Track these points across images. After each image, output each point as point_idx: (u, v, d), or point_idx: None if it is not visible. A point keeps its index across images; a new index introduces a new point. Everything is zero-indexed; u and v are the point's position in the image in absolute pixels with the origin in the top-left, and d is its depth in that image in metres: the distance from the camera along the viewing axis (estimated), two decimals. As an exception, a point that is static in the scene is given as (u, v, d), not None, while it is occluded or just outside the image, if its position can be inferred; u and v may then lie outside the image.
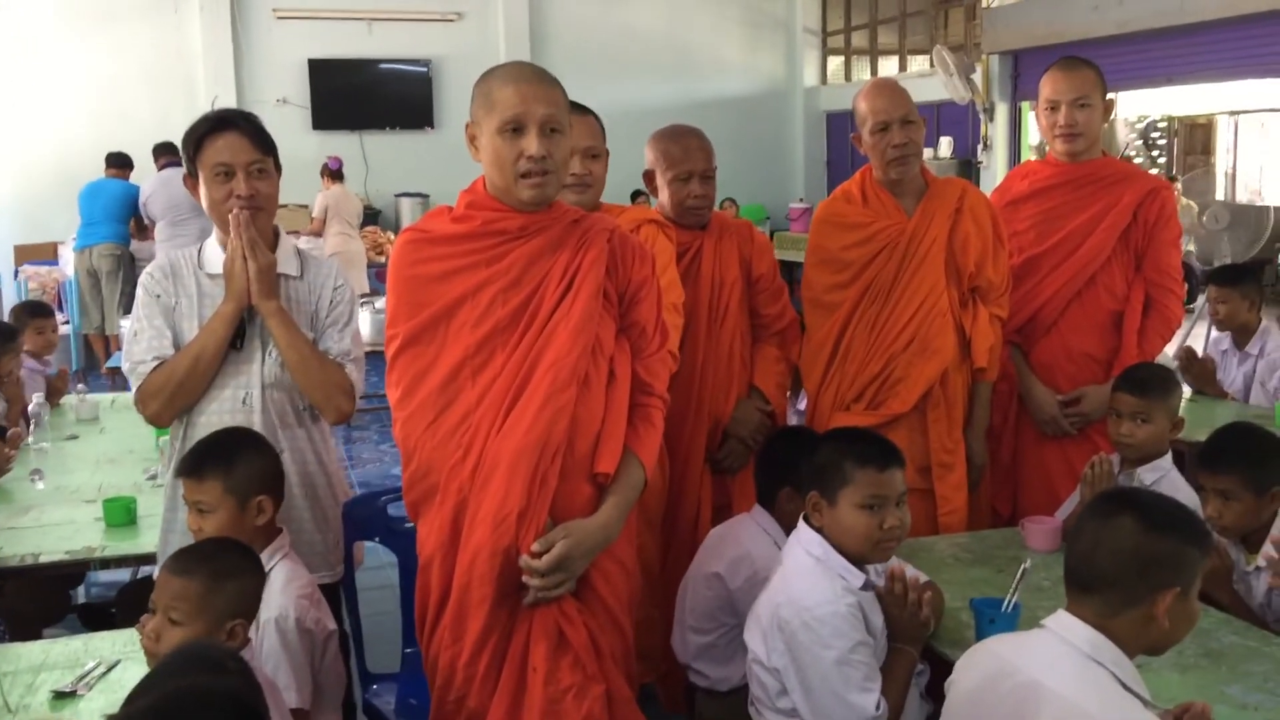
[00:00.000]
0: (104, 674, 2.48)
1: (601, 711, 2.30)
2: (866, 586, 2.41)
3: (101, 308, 9.71)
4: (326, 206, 10.15)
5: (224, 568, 2.20)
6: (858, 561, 2.43)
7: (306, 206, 11.56)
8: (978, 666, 1.99)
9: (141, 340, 2.78)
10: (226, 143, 2.75)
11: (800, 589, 2.38)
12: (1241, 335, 4.88)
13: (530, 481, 2.22)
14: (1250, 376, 4.79)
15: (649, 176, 3.32)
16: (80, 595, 4.70)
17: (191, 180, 2.86)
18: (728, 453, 3.30)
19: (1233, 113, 15.51)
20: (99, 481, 3.90)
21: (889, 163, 3.32)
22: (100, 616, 4.19)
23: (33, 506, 3.62)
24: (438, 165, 12.24)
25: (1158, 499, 2.01)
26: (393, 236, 11.80)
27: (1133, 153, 15.73)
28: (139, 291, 2.85)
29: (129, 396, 5.21)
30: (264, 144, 2.81)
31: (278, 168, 2.87)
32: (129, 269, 9.60)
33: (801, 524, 2.51)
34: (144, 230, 9.78)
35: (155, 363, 2.75)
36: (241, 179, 2.76)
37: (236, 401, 2.78)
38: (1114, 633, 1.87)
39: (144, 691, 1.81)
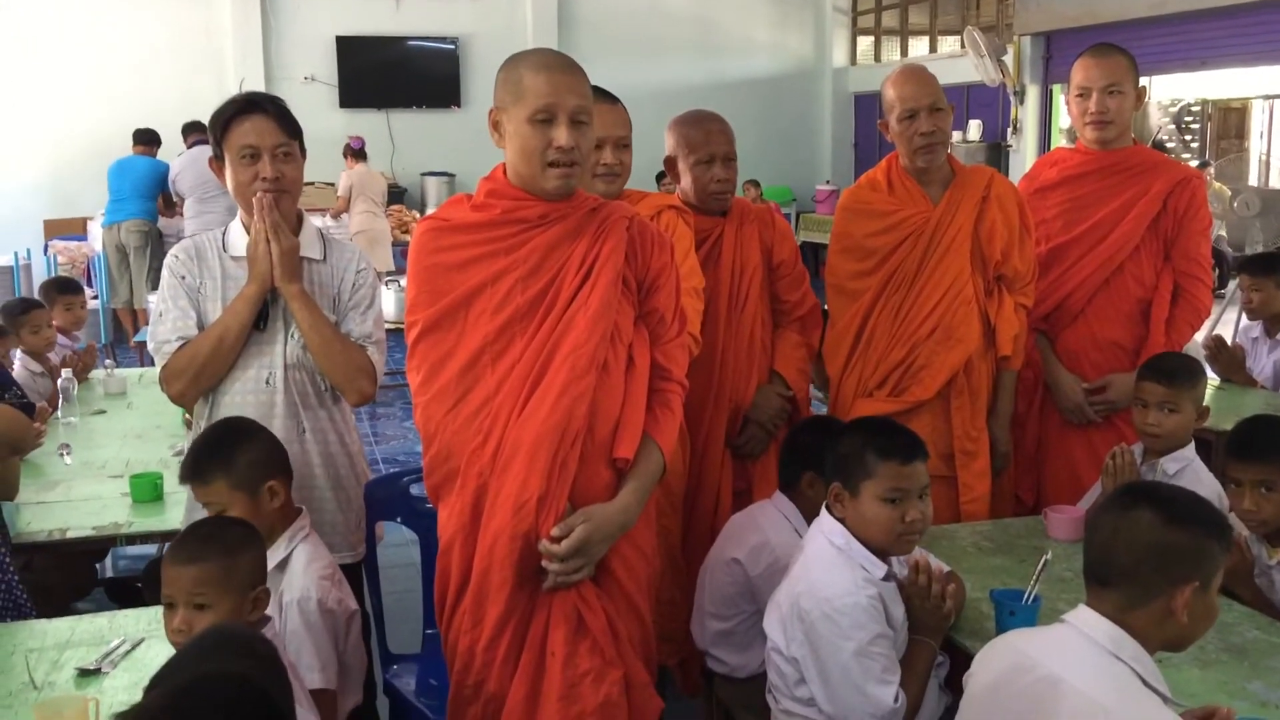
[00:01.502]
0: (129, 652, 2.51)
1: (619, 696, 2.30)
2: (888, 577, 2.41)
3: (130, 283, 9.79)
4: (351, 185, 10.18)
5: (234, 542, 2.22)
6: (879, 552, 2.42)
7: (332, 185, 11.60)
8: (997, 660, 1.98)
9: (166, 321, 2.80)
10: (253, 125, 2.76)
11: (821, 579, 2.38)
12: (1273, 323, 4.83)
13: (550, 467, 2.23)
14: (1280, 366, 4.75)
15: (670, 163, 3.31)
16: (106, 569, 4.76)
17: (217, 163, 2.87)
18: (748, 438, 3.30)
19: (1268, 97, 15.32)
20: (126, 457, 3.94)
21: (916, 151, 3.30)
22: (126, 591, 4.25)
23: (60, 481, 3.67)
24: (464, 144, 12.26)
25: (1177, 492, 2.00)
26: (418, 215, 11.84)
27: (1165, 137, 15.56)
28: (164, 272, 2.88)
29: (156, 372, 5.26)
30: (290, 127, 2.81)
31: (303, 151, 2.88)
32: (157, 245, 9.67)
33: (824, 513, 2.50)
34: (172, 207, 9.85)
35: (179, 343, 2.77)
36: (267, 162, 2.77)
37: (260, 382, 2.80)
38: (1133, 627, 1.86)
39: (168, 676, 1.84)
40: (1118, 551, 1.89)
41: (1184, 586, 1.83)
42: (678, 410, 2.42)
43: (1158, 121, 15.49)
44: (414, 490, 3.26)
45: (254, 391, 2.80)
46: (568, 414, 2.24)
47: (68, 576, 3.89)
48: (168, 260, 2.88)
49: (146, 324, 9.14)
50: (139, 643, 2.55)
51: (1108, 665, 1.82)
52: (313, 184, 12.11)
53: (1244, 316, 5.18)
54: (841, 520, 2.45)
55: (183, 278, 2.83)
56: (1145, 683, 1.82)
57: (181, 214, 9.67)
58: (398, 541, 4.00)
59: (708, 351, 3.18)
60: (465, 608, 2.31)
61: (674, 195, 3.31)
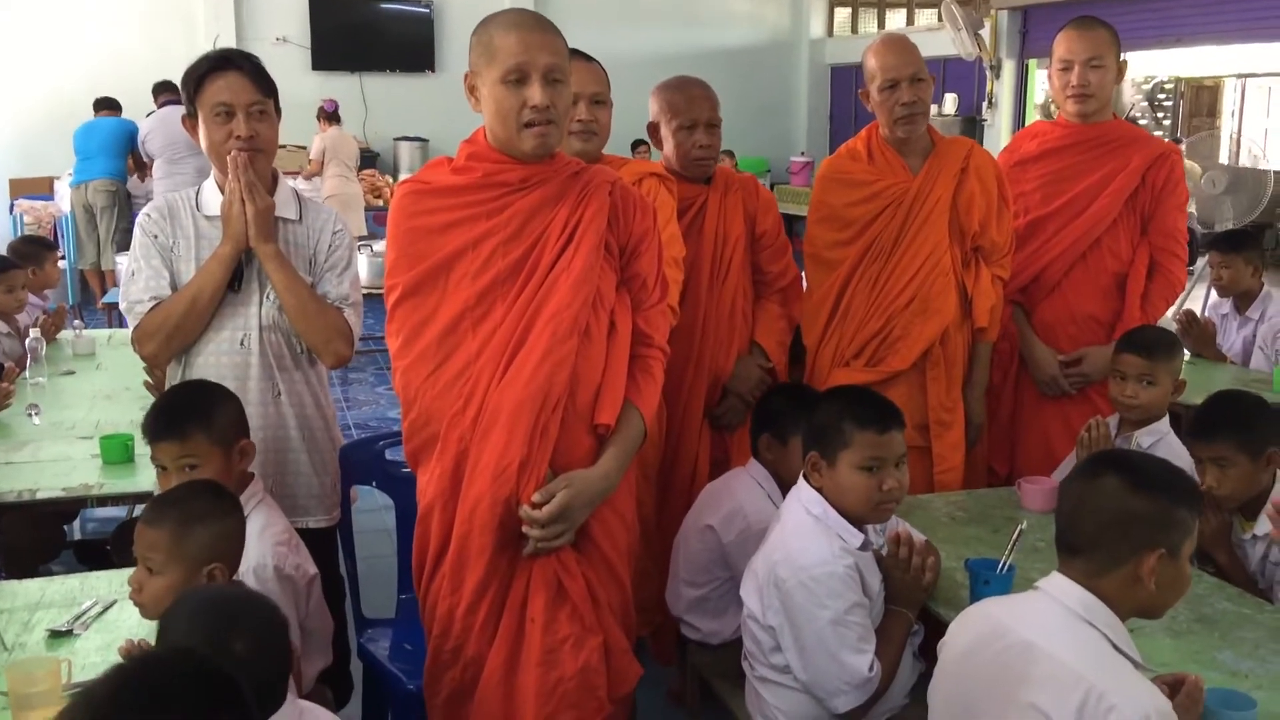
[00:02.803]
0: (100, 614, 2.49)
1: (599, 662, 2.31)
2: (864, 547, 2.41)
3: (98, 244, 9.67)
4: (324, 149, 10.08)
5: (192, 513, 2.18)
6: (856, 521, 2.42)
7: (304, 148, 11.46)
8: (971, 628, 1.99)
9: (138, 280, 2.77)
10: (227, 83, 2.72)
11: (798, 548, 2.38)
12: (1243, 300, 4.87)
13: (531, 432, 2.21)
14: (1250, 341, 4.79)
15: (653, 128, 3.28)
16: (75, 531, 4.72)
17: (190, 121, 2.83)
18: (726, 409, 3.29)
19: (1240, 76, 15.40)
20: (95, 418, 3.89)
21: (897, 121, 3.29)
22: (96, 554, 4.21)
23: (29, 442, 3.61)
24: (438, 109, 12.13)
25: (1145, 460, 2.00)
26: (391, 180, 11.74)
27: (1138, 114, 15.63)
28: (136, 232, 2.84)
29: (126, 333, 5.19)
30: (265, 85, 2.78)
31: (278, 110, 2.84)
32: (125, 205, 9.56)
33: (801, 482, 2.50)
34: (143, 168, 9.73)
35: (152, 303, 2.74)
36: (241, 120, 2.73)
37: (234, 343, 2.78)
38: (1104, 594, 1.86)
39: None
40: (1084, 518, 1.90)
41: (1149, 553, 1.83)
42: (659, 376, 2.41)
43: (1131, 98, 15.55)
44: (389, 455, 3.25)
45: (229, 353, 2.77)
46: (549, 379, 2.22)
47: (36, 538, 3.85)
48: (139, 219, 2.84)
49: (114, 285, 9.09)
50: (111, 605, 2.53)
51: (1080, 630, 1.83)
52: (284, 147, 11.95)
53: (1213, 293, 5.22)
54: (819, 489, 2.45)
55: (155, 237, 2.79)
56: (1116, 648, 1.83)
57: (151, 175, 9.56)
58: (370, 507, 3.98)
59: (688, 321, 3.17)
60: (445, 573, 2.30)
61: (657, 163, 3.29)
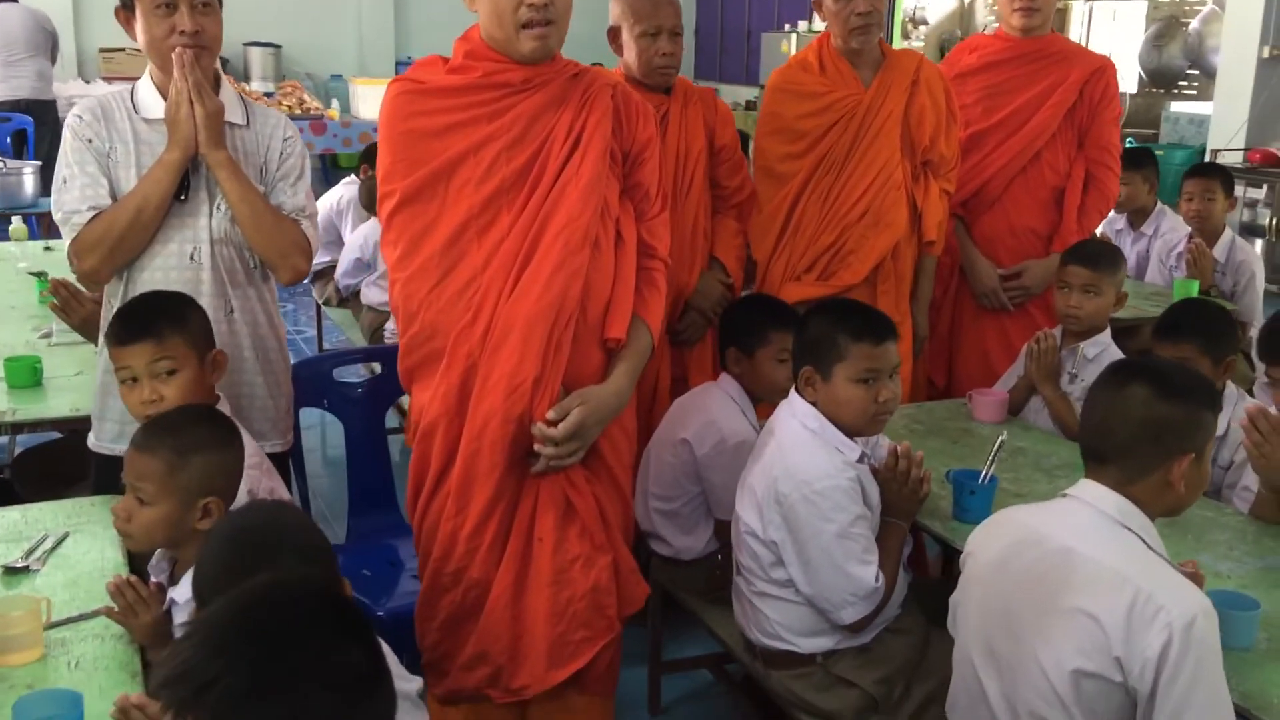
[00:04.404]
0: (54, 548, 2.33)
1: (609, 581, 2.26)
2: (861, 459, 2.41)
3: (-71, 153, 8.94)
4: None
5: (190, 442, 2.05)
6: (851, 434, 2.42)
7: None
8: (1002, 536, 2.00)
9: (73, 188, 2.54)
10: None
11: (799, 462, 2.36)
12: (1137, 216, 5.04)
13: (545, 347, 2.13)
14: (1144, 256, 4.97)
15: (613, 33, 3.16)
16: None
17: (125, 14, 2.60)
18: (687, 324, 3.24)
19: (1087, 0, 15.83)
20: (-15, 340, 3.62)
21: (851, 30, 3.24)
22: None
23: (-85, 366, 3.34)
24: (288, 14, 11.59)
25: (1168, 367, 2.03)
26: (247, 87, 11.16)
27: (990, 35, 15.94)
28: (66, 134, 2.60)
29: None
30: None
31: (221, 3, 2.63)
32: (-40, 112, 8.85)
33: (794, 396, 2.48)
34: (-25, 70, 9.01)
35: (91, 213, 2.52)
36: (185, 13, 2.51)
37: (184, 257, 2.59)
38: (1134, 498, 1.89)
39: (214, 578, 1.70)
40: (1114, 428, 1.92)
41: (1181, 458, 1.87)
42: (663, 288, 2.35)
43: (983, 20, 15.86)
44: (336, 375, 3.11)
45: (177, 268, 2.58)
46: (562, 292, 2.14)
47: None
48: (69, 121, 2.60)
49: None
50: (63, 538, 2.37)
51: (1118, 534, 1.86)
52: (122, 50, 11.29)
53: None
54: (813, 404, 2.44)
55: (89, 141, 2.56)
56: (1150, 549, 1.87)
57: (-16, 77, 8.88)
58: (307, 424, 3.81)
59: (650, 237, 3.09)
60: (448, 492, 2.21)
61: (615, 70, 3.17)
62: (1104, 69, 3.56)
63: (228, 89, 2.67)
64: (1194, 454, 1.89)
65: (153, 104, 2.60)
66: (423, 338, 2.20)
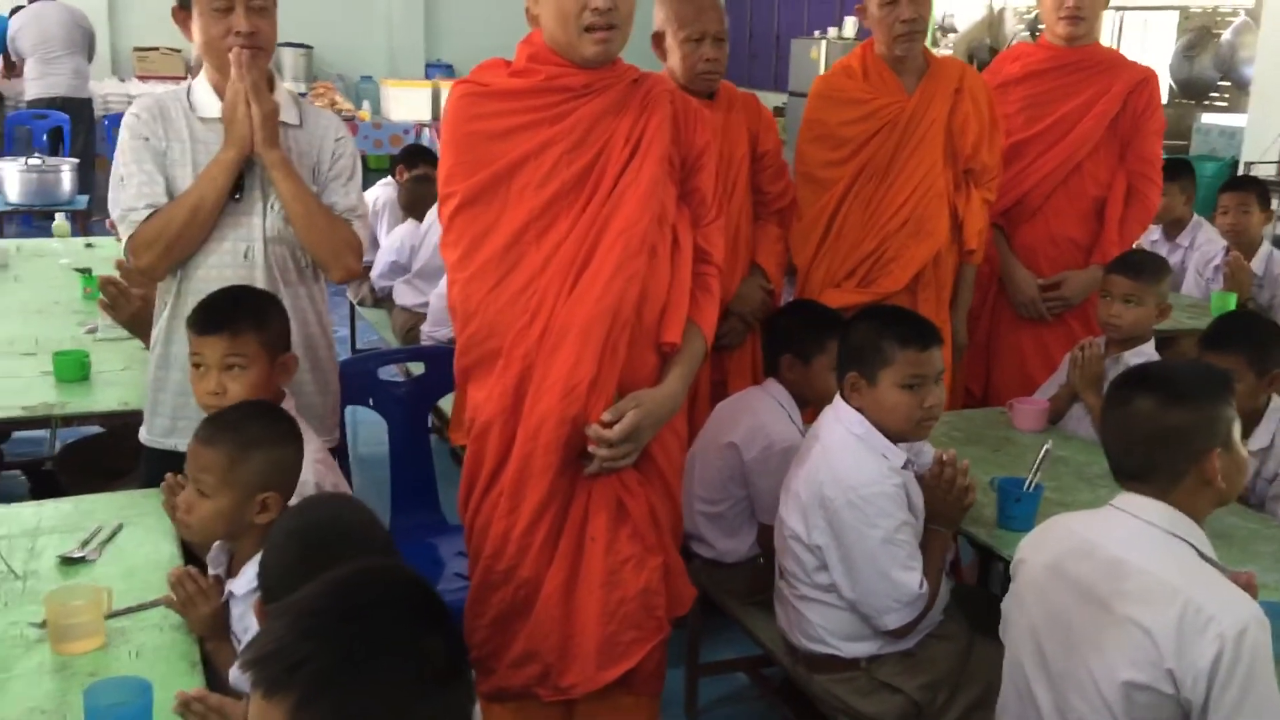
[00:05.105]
0: (109, 539, 2.36)
1: (659, 583, 2.28)
2: (906, 466, 2.42)
3: (-34, 149, 9.05)
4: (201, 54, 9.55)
5: (251, 437, 2.07)
6: (896, 440, 2.43)
7: (179, 51, 10.93)
8: (1053, 544, 2.00)
9: (130, 186, 2.58)
10: None
11: (845, 467, 2.37)
12: (1173, 228, 5.04)
13: (602, 350, 2.15)
14: (1180, 268, 4.96)
15: (658, 38, 3.18)
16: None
17: (183, 13, 2.63)
18: (727, 330, 3.25)
19: (1118, 9, 15.79)
20: (33, 334, 3.67)
21: (896, 38, 3.26)
22: (39, 477, 4.00)
23: (-34, 358, 3.39)
24: (320, 15, 11.65)
25: (1163, 370, 2.03)
26: (289, 86, 11.22)
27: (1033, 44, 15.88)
28: (123, 133, 2.63)
29: (37, 242, 4.88)
30: None
31: (275, 5, 2.66)
32: (-2, 107, 8.97)
33: (839, 401, 2.49)
34: (12, 68, 9.12)
35: (148, 210, 2.55)
36: (241, 14, 2.55)
37: (237, 255, 2.62)
38: (1178, 505, 1.88)
39: (279, 559, 1.73)
40: (1131, 447, 1.91)
41: (1208, 456, 1.86)
42: (717, 294, 2.36)
43: (1013, 29, 15.84)
44: (381, 375, 3.14)
45: (231, 266, 2.61)
46: (620, 296, 2.16)
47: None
48: (127, 120, 2.64)
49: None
50: (118, 529, 2.40)
51: (1168, 544, 1.85)
52: (156, 49, 11.38)
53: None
54: (859, 409, 2.45)
55: (146, 139, 2.60)
56: (1202, 556, 1.86)
57: (21, 75, 8.97)
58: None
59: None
60: (501, 491, 2.23)
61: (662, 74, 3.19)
62: (1148, 80, 3.56)
63: (282, 89, 2.71)
64: (1219, 447, 1.87)
65: (209, 104, 2.63)
66: (480, 337, 2.23)
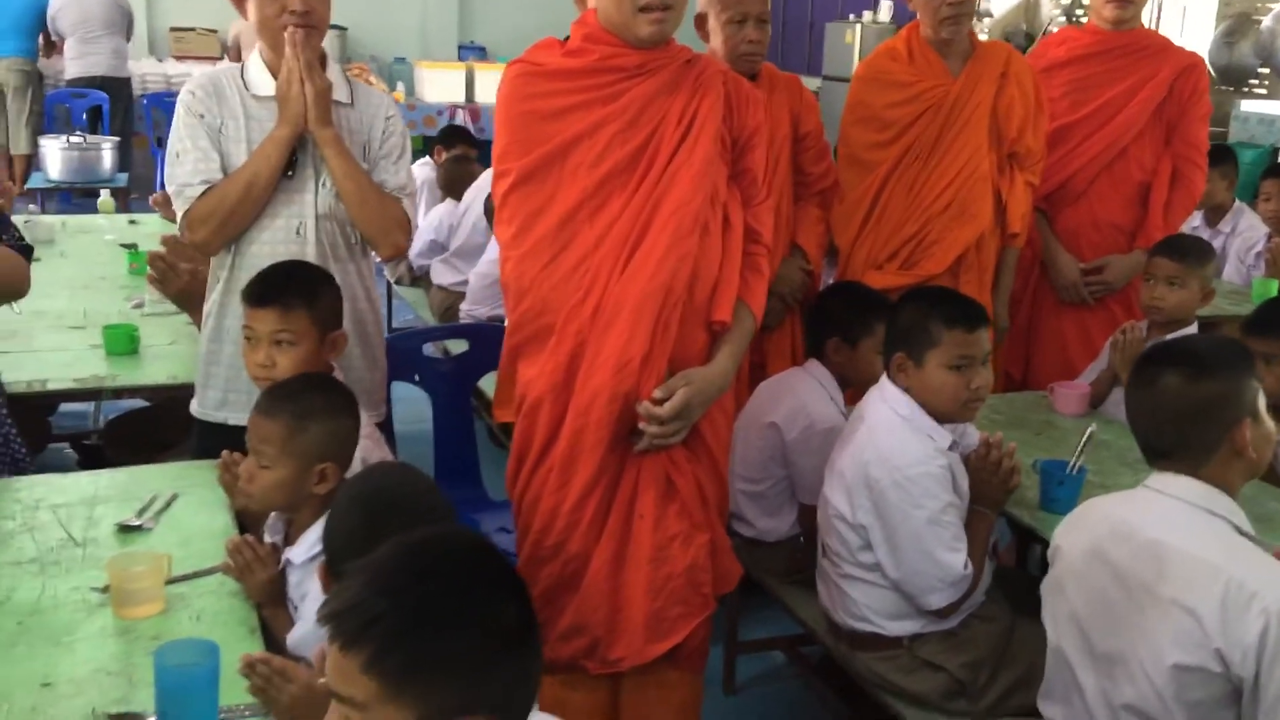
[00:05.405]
0: (164, 508, 2.40)
1: (706, 560, 2.30)
2: (952, 447, 2.44)
3: (7, 127, 9.13)
4: (239, 34, 9.60)
5: (309, 408, 2.11)
6: (943, 421, 2.44)
7: (214, 31, 10.97)
8: (1090, 528, 2.00)
9: (186, 162, 2.61)
10: None
11: (891, 448, 2.39)
12: (1214, 214, 5.01)
13: (654, 327, 2.17)
14: (1221, 254, 4.93)
15: (700, 20, 3.18)
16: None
17: (239, -7, 2.66)
18: (768, 310, 3.24)
19: (1154, -7, 15.62)
20: (80, 308, 3.73)
21: (942, 21, 3.25)
22: (85, 450, 4.06)
23: (16, 332, 3.44)
24: (360, -2, 11.69)
25: (1191, 345, 2.03)
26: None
27: (1055, 29, 15.80)
28: (179, 109, 2.67)
29: (81, 219, 4.93)
30: None
31: (329, -16, 2.69)
32: (38, 87, 9.03)
33: (885, 382, 2.50)
34: (52, 47, 9.19)
35: (204, 186, 2.59)
36: None
37: (290, 231, 2.65)
38: (1210, 480, 1.89)
39: (345, 525, 1.76)
40: (1161, 425, 1.92)
41: (1237, 427, 1.87)
42: (766, 273, 2.38)
43: (1049, 13, 15.71)
44: (425, 351, 3.17)
45: (284, 242, 2.65)
46: (672, 274, 2.17)
47: (23, 431, 3.69)
48: (182, 97, 2.67)
49: (28, 171, 8.63)
50: (173, 499, 2.44)
51: (1206, 522, 1.86)
52: (193, 30, 11.44)
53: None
54: (905, 390, 2.46)
55: (201, 116, 2.63)
56: (1239, 531, 1.87)
57: (61, 54, 9.05)
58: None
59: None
60: (551, 466, 2.25)
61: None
62: (1195, 66, 3.54)
63: (334, 68, 2.74)
64: (1249, 417, 1.88)
65: (262, 82, 2.66)
66: (533, 314, 2.25)
